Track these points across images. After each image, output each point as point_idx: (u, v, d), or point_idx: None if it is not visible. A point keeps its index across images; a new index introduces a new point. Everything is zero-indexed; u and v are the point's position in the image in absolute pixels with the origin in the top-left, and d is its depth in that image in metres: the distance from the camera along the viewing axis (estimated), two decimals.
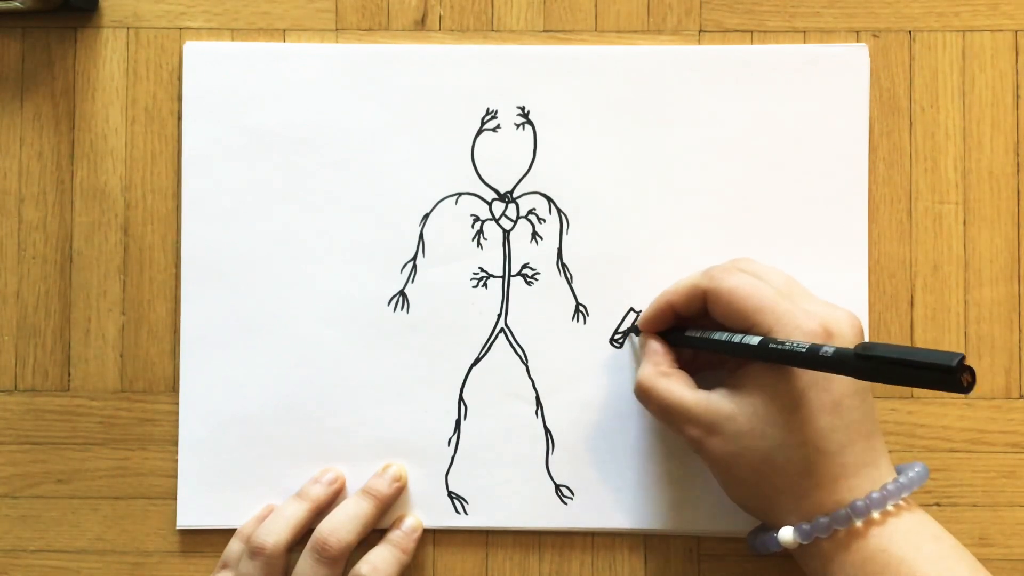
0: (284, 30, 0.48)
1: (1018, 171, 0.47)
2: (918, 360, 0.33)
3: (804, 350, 0.36)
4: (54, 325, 0.47)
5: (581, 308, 0.47)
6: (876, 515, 0.37)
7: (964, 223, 0.47)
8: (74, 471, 0.47)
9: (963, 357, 0.32)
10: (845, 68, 0.47)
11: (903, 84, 0.47)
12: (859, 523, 0.37)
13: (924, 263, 0.47)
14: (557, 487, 0.46)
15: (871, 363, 0.34)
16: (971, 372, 0.32)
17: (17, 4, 0.46)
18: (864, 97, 0.47)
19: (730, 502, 0.45)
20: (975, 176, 0.47)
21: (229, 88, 0.47)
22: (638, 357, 0.46)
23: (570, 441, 0.46)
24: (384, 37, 0.48)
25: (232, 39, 0.48)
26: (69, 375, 0.47)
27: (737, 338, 0.40)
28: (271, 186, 0.47)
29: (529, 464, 0.46)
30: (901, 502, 0.38)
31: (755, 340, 0.39)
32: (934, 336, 0.46)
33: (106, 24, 0.48)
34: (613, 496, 0.46)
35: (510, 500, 0.46)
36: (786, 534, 0.39)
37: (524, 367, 0.46)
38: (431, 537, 0.47)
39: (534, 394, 0.46)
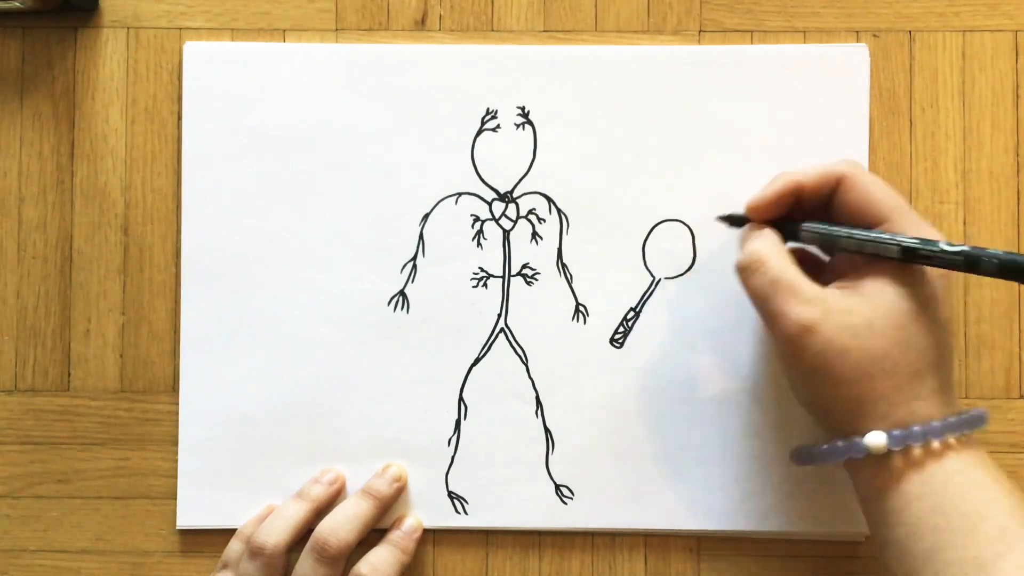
0: (284, 30, 0.48)
1: (1018, 171, 0.47)
2: None
3: (964, 256, 0.37)
4: (54, 325, 0.47)
5: (581, 308, 0.47)
6: (965, 436, 0.38)
7: (964, 223, 0.47)
8: (74, 471, 0.47)
9: None
10: (845, 68, 0.47)
11: (903, 84, 0.47)
12: (952, 439, 0.37)
13: None
14: (557, 487, 0.46)
15: None
16: None
17: (17, 4, 0.46)
18: (864, 97, 0.47)
19: (730, 502, 0.45)
20: (975, 176, 0.47)
21: (229, 88, 0.47)
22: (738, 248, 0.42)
23: (570, 441, 0.46)
24: (384, 37, 0.48)
25: (232, 39, 0.48)
26: (69, 375, 0.47)
27: (887, 236, 0.38)
28: (271, 186, 0.47)
29: (529, 464, 0.46)
30: (973, 436, 0.38)
31: (913, 241, 0.37)
32: None
33: (106, 24, 0.48)
34: (613, 496, 0.46)
35: (510, 500, 0.46)
36: (877, 438, 0.37)
37: (524, 367, 0.46)
38: (431, 537, 0.47)
39: (534, 394, 0.46)
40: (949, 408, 0.38)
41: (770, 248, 0.40)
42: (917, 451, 0.37)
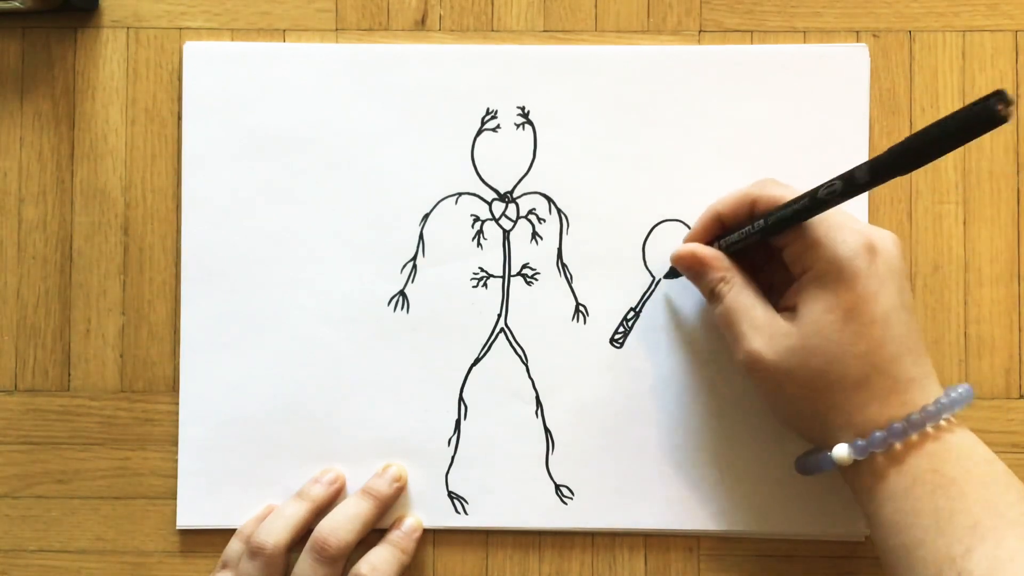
0: (284, 30, 0.48)
1: (1018, 171, 0.47)
2: (952, 117, 0.32)
3: (841, 180, 0.36)
4: (54, 325, 0.47)
5: (581, 308, 0.47)
6: (930, 429, 0.37)
7: (964, 223, 0.47)
8: (74, 471, 0.47)
9: (997, 96, 0.30)
10: (845, 68, 0.47)
11: (903, 84, 0.47)
12: (914, 437, 0.37)
13: (924, 263, 0.47)
14: (557, 487, 0.46)
15: (909, 146, 0.34)
16: (1004, 99, 0.30)
17: (17, 4, 0.46)
18: (864, 97, 0.47)
19: (729, 501, 0.46)
20: (975, 176, 0.47)
21: (229, 88, 0.47)
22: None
23: (570, 441, 0.46)
24: (384, 37, 0.48)
25: (232, 39, 0.48)
26: (69, 375, 0.47)
27: (777, 210, 0.39)
28: (271, 186, 0.47)
29: (529, 464, 0.46)
30: (952, 419, 0.38)
31: (798, 201, 0.38)
32: (934, 336, 0.46)
33: (106, 24, 0.48)
34: (613, 496, 0.46)
35: (510, 500, 0.46)
36: (841, 451, 0.38)
37: (524, 367, 0.46)
38: (431, 537, 0.47)
39: (534, 394, 0.46)
40: (911, 404, 0.38)
41: (726, 277, 0.42)
42: (880, 459, 0.38)
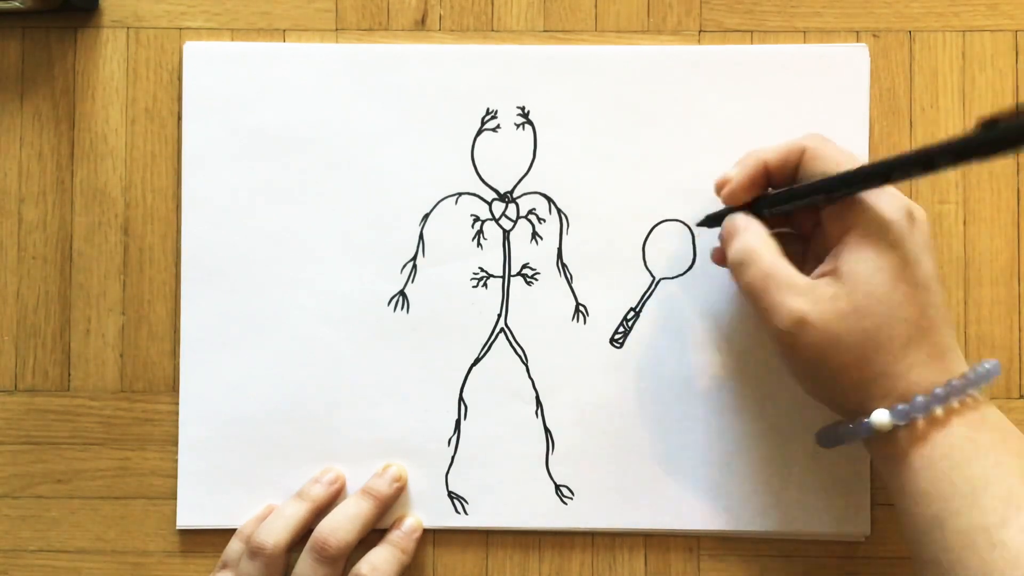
0: (284, 30, 0.48)
1: (1018, 171, 0.47)
2: None
3: (944, 144, 0.33)
4: (54, 325, 0.47)
5: (581, 308, 0.47)
6: (969, 398, 0.37)
7: (964, 223, 0.47)
8: (74, 471, 0.47)
9: None
10: (845, 68, 0.47)
11: (903, 84, 0.47)
12: (955, 403, 0.37)
13: None
14: (557, 487, 0.46)
15: (1007, 128, 0.31)
16: None
17: (17, 4, 0.46)
18: (864, 97, 0.47)
19: (729, 501, 0.45)
20: (975, 176, 0.47)
21: (229, 88, 0.47)
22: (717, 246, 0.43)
23: (570, 441, 0.46)
24: (384, 37, 0.48)
25: (232, 39, 0.48)
26: (69, 375, 0.47)
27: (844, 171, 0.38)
28: (271, 186, 0.47)
29: (529, 464, 0.46)
30: (979, 395, 0.38)
31: (872, 166, 0.37)
32: None
33: (106, 24, 0.48)
34: (613, 496, 0.46)
35: (510, 500, 0.46)
36: (881, 416, 0.37)
37: (524, 367, 0.46)
38: (431, 537, 0.47)
39: (534, 394, 0.46)
40: (950, 371, 0.38)
41: (760, 241, 0.40)
42: (921, 423, 0.37)
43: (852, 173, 0.38)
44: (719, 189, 0.42)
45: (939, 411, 0.37)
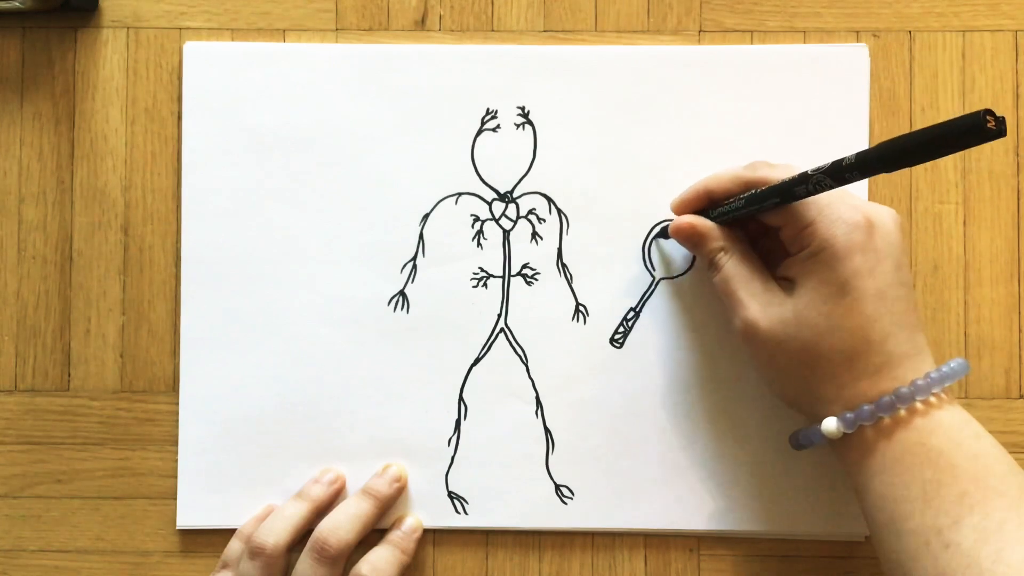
0: (284, 30, 0.48)
1: (1018, 171, 0.47)
2: (941, 127, 0.32)
3: (827, 165, 0.37)
4: (54, 325, 0.47)
5: (581, 308, 0.47)
6: (919, 404, 0.37)
7: (964, 223, 0.47)
8: (74, 471, 0.47)
9: (986, 111, 0.31)
10: (845, 68, 0.47)
11: (903, 84, 0.47)
12: (903, 411, 0.37)
13: (924, 263, 0.47)
14: (557, 487, 0.46)
15: (895, 147, 0.34)
16: (996, 117, 0.31)
17: (17, 4, 0.46)
18: (864, 97, 0.47)
19: (729, 501, 0.45)
20: (975, 176, 0.47)
21: (229, 88, 0.47)
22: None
23: (570, 441, 0.46)
24: (384, 37, 0.48)
25: (232, 39, 0.48)
26: (69, 375, 0.47)
27: (762, 189, 0.40)
28: (271, 186, 0.47)
29: (529, 464, 0.46)
30: (943, 395, 0.38)
31: (785, 181, 0.39)
32: (934, 336, 0.46)
33: (106, 24, 0.48)
34: (613, 496, 0.46)
35: (510, 500, 0.46)
36: (829, 424, 0.39)
37: (524, 367, 0.46)
38: (431, 537, 0.47)
39: (534, 394, 0.46)
40: (901, 378, 0.38)
41: (726, 247, 0.42)
42: (869, 431, 0.38)
43: (758, 192, 0.40)
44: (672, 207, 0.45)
45: (887, 420, 0.38)
